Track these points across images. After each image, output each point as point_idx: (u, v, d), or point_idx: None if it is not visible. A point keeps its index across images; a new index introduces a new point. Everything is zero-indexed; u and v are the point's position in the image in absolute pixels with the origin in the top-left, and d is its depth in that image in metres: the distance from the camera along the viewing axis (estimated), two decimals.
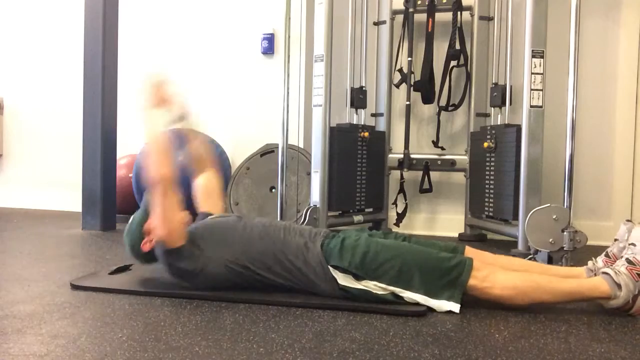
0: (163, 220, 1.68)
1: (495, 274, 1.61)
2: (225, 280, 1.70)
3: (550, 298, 1.61)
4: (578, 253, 2.25)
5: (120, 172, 3.51)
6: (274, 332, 1.37)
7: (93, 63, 3.19)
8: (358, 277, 1.62)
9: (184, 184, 1.88)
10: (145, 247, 1.77)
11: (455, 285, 1.58)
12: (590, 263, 1.80)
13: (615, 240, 1.80)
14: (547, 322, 1.51)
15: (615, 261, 1.73)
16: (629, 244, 1.65)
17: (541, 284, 1.61)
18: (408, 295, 1.59)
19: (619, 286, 1.54)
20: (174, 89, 1.73)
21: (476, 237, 3.19)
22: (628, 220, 1.80)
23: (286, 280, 1.68)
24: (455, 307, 1.57)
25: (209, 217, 1.90)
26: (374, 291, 1.61)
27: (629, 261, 1.57)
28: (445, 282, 1.58)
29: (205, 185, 2.09)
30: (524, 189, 2.55)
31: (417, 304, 1.58)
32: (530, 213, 2.28)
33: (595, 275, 1.70)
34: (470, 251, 1.77)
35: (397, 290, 1.59)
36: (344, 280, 1.64)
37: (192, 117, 1.88)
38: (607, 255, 1.79)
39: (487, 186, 2.97)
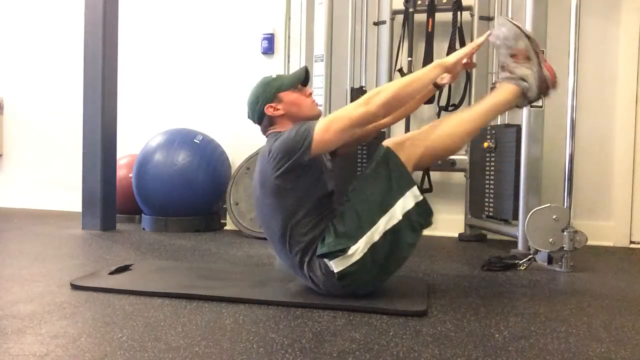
0: (406, 86, 1.62)
1: (419, 139, 1.68)
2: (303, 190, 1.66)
3: (477, 124, 1.69)
4: (578, 253, 2.25)
5: (120, 172, 3.51)
6: (274, 332, 1.37)
7: (93, 63, 3.19)
8: (344, 251, 1.59)
9: None
10: (269, 110, 1.75)
11: (400, 177, 1.63)
12: (494, 82, 1.83)
13: (496, 47, 1.86)
14: (547, 322, 1.51)
15: (503, 66, 1.79)
16: (504, 43, 1.73)
17: (463, 119, 1.70)
18: (385, 222, 1.60)
19: (521, 79, 1.63)
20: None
21: (476, 237, 3.19)
22: (490, 32, 1.81)
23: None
24: (413, 189, 1.62)
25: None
26: (367, 250, 1.59)
27: (511, 55, 1.67)
28: (393, 182, 1.62)
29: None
30: (524, 189, 2.55)
31: (418, 304, 1.58)
32: (530, 213, 2.28)
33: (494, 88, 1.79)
34: (388, 142, 1.73)
35: (375, 229, 1.60)
36: (338, 265, 1.61)
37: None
38: (502, 68, 1.81)
39: (487, 186, 2.97)
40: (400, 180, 1.63)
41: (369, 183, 1.67)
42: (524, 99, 1.70)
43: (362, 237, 1.60)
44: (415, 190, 1.63)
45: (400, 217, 1.61)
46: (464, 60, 1.74)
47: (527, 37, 1.72)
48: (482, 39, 1.76)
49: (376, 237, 1.60)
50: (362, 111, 1.59)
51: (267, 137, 1.80)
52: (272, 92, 1.78)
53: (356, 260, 1.60)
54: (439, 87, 1.86)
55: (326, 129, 1.60)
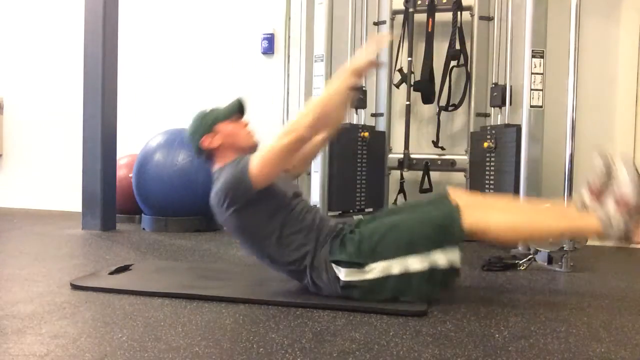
0: (320, 105, 1.62)
1: (488, 214, 1.62)
2: (260, 220, 1.66)
3: (545, 235, 1.65)
4: (578, 253, 2.25)
5: (120, 172, 3.51)
6: (274, 332, 1.37)
7: (93, 63, 3.19)
8: (361, 265, 1.61)
9: None
10: (205, 142, 1.76)
11: (450, 235, 1.59)
12: (576, 198, 1.79)
13: (593, 173, 1.79)
14: (547, 322, 1.51)
15: (598, 194, 1.72)
16: (613, 178, 1.66)
17: (535, 223, 1.64)
18: (411, 262, 1.58)
19: (610, 224, 1.56)
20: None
21: None
22: (601, 152, 1.79)
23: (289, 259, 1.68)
24: (455, 254, 1.57)
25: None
26: (380, 277, 1.59)
27: (615, 198, 1.59)
28: (441, 235, 1.59)
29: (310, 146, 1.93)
30: (524, 189, 2.55)
31: (419, 304, 1.58)
32: None
33: (583, 210, 1.71)
34: (456, 194, 1.71)
35: (400, 261, 1.58)
36: (347, 275, 1.62)
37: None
38: (589, 189, 1.77)
39: (487, 186, 2.97)
40: (449, 239, 1.60)
41: (420, 219, 1.64)
42: (598, 236, 1.62)
43: (382, 261, 1.60)
44: (457, 256, 1.59)
45: (427, 267, 1.59)
46: (372, 60, 1.68)
47: None
48: (385, 38, 1.73)
49: (394, 270, 1.60)
50: (290, 138, 1.61)
51: (213, 175, 1.81)
52: (208, 125, 1.80)
53: (367, 279, 1.61)
54: (357, 89, 1.83)
55: (261, 165, 1.62)
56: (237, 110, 1.84)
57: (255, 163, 1.63)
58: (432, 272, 1.59)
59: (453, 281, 1.66)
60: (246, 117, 1.89)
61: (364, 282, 1.61)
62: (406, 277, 1.59)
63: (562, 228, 1.64)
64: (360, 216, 1.80)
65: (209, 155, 1.82)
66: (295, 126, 1.62)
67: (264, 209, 1.67)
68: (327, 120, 1.66)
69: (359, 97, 3.20)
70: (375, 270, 1.60)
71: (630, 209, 1.58)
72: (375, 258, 1.60)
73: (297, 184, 1.88)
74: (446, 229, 1.59)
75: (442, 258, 1.58)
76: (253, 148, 1.78)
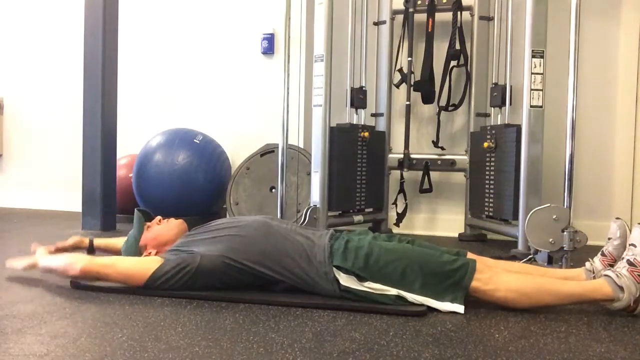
0: (122, 277, 1.73)
1: (499, 275, 1.62)
2: (225, 275, 1.69)
3: (553, 300, 1.62)
4: (578, 253, 2.25)
5: (120, 172, 3.51)
6: (274, 332, 1.37)
7: (93, 63, 3.19)
8: (361, 278, 1.62)
9: None
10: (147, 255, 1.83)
11: (458, 288, 1.58)
12: (587, 264, 1.81)
13: (609, 239, 1.80)
14: (547, 322, 1.51)
15: (612, 260, 1.74)
16: (630, 245, 1.65)
17: (544, 286, 1.62)
18: (411, 297, 1.59)
19: (621, 288, 1.54)
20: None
21: (476, 237, 3.19)
22: (617, 218, 1.81)
23: (285, 278, 1.68)
24: (459, 308, 1.57)
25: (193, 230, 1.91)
26: (377, 292, 1.61)
27: (630, 263, 1.58)
28: (449, 284, 1.59)
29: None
30: (524, 189, 2.55)
31: (419, 304, 1.58)
32: (530, 213, 2.28)
33: (594, 276, 1.71)
34: (472, 256, 1.76)
35: (400, 292, 1.60)
36: (346, 281, 1.63)
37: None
38: (603, 255, 1.79)
39: (487, 186, 2.97)
40: (455, 292, 1.59)
41: (433, 262, 1.63)
42: (607, 303, 1.60)
43: (384, 285, 1.61)
44: (460, 310, 1.58)
45: (424, 305, 1.59)
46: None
47: None
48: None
49: (392, 293, 1.60)
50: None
51: None
52: (134, 247, 1.90)
53: (363, 290, 1.62)
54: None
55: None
56: (142, 220, 1.95)
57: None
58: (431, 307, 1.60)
59: None
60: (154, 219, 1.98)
61: (360, 292, 1.62)
62: (403, 298, 1.61)
63: (574, 297, 1.61)
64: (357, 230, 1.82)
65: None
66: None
67: (209, 280, 1.71)
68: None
69: (359, 97, 3.20)
70: (374, 287, 1.62)
71: None
72: (378, 279, 1.61)
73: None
74: (454, 281, 1.59)
75: (446, 306, 1.59)
76: (180, 231, 1.93)
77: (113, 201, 3.25)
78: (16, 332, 1.34)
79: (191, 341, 1.29)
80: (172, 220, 1.97)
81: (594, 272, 1.74)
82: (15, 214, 3.96)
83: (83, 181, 3.20)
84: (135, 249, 1.90)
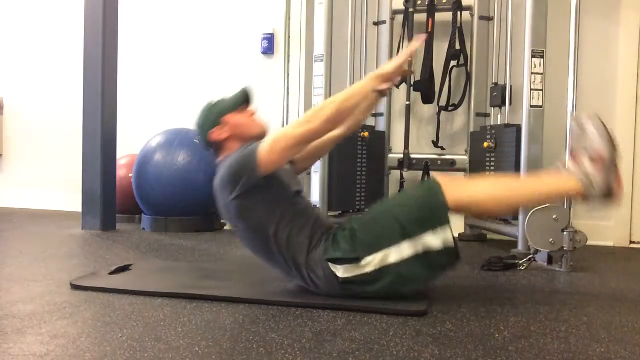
0: (340, 102, 1.61)
1: (470, 187, 1.66)
2: (255, 214, 1.65)
3: (528, 200, 1.70)
4: (578, 253, 2.25)
5: (120, 172, 3.51)
6: (274, 332, 1.37)
7: (93, 63, 3.19)
8: (356, 260, 1.60)
9: None
10: (214, 135, 1.77)
11: (438, 214, 1.59)
12: (558, 164, 1.80)
13: (572, 136, 1.81)
14: (547, 322, 1.51)
15: (575, 156, 1.76)
16: (585, 137, 1.69)
17: (517, 188, 1.68)
18: (405, 248, 1.58)
19: (588, 180, 1.60)
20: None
21: (476, 237, 3.19)
22: (575, 115, 1.79)
23: (282, 258, 1.68)
24: (447, 233, 1.57)
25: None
26: (377, 269, 1.58)
27: (589, 156, 1.63)
28: (428, 216, 1.59)
29: (319, 144, 1.94)
30: None
31: (418, 303, 1.58)
32: (530, 213, 2.28)
33: (563, 173, 1.74)
34: (437, 177, 1.72)
35: (393, 250, 1.58)
36: (346, 272, 1.61)
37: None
38: (571, 155, 1.79)
39: None
40: (437, 218, 1.59)
41: (406, 205, 1.64)
42: (581, 197, 1.64)
43: (378, 252, 1.59)
44: (449, 234, 1.58)
45: (421, 251, 1.58)
46: (404, 68, 1.72)
47: (613, 145, 1.67)
48: (417, 44, 1.74)
49: (391, 260, 1.59)
50: (305, 129, 1.61)
51: (218, 164, 1.80)
52: (215, 117, 1.81)
53: (365, 272, 1.60)
54: (382, 94, 1.83)
55: (270, 150, 1.61)
56: (243, 100, 1.84)
57: (265, 148, 1.61)
58: (427, 255, 1.59)
59: (452, 263, 1.64)
60: (253, 106, 1.88)
61: (363, 277, 1.60)
62: (403, 264, 1.59)
63: (544, 192, 1.67)
64: (354, 216, 1.81)
65: (217, 148, 1.82)
66: (311, 118, 1.62)
67: (266, 198, 1.66)
68: (343, 117, 1.65)
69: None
70: (372, 263, 1.59)
71: (606, 163, 1.62)
72: (370, 251, 1.60)
73: (300, 181, 1.87)
74: (432, 208, 1.60)
75: (434, 240, 1.58)
76: (262, 137, 1.75)
77: (113, 201, 3.25)
78: (16, 332, 1.34)
79: (191, 341, 1.29)
80: (260, 122, 1.86)
81: (561, 169, 1.76)
82: (15, 214, 3.97)
83: (83, 181, 3.20)
84: (215, 119, 1.80)
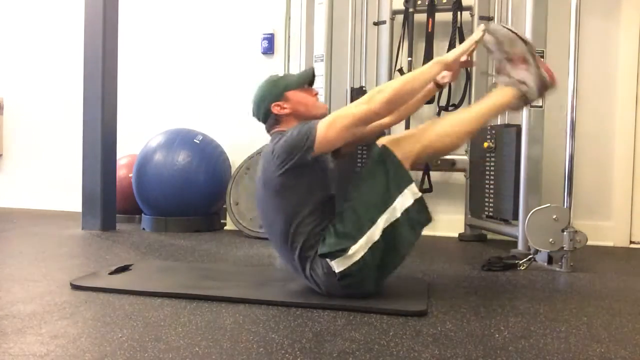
0: (401, 85, 1.62)
1: (416, 136, 1.69)
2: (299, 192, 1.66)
3: (475, 125, 1.71)
4: (578, 253, 2.25)
5: (120, 172, 3.51)
6: (274, 332, 1.37)
7: (93, 63, 3.19)
8: (344, 251, 1.59)
9: None
10: (275, 108, 1.75)
11: (396, 174, 1.63)
12: (492, 85, 1.84)
13: (491, 55, 1.83)
14: (547, 322, 1.51)
15: (499, 69, 1.81)
16: (497, 46, 1.74)
17: (463, 117, 1.72)
18: (385, 220, 1.60)
19: (520, 82, 1.65)
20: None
21: (476, 237, 3.19)
22: (484, 27, 1.80)
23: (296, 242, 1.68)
24: (411, 186, 1.63)
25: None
26: (367, 250, 1.59)
27: (508, 60, 1.69)
28: (390, 180, 1.62)
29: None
30: (524, 189, 2.55)
31: (419, 303, 1.58)
32: (530, 213, 2.28)
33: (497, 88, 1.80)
34: (384, 140, 1.75)
35: (375, 228, 1.59)
36: (338, 265, 1.61)
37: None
38: (497, 70, 1.83)
39: (487, 186, 2.97)
40: (398, 178, 1.64)
41: (367, 182, 1.67)
42: (523, 101, 1.71)
43: (362, 236, 1.60)
44: (413, 187, 1.64)
45: (399, 215, 1.61)
46: (463, 58, 1.76)
47: (523, 40, 1.73)
48: (479, 34, 1.75)
49: (376, 236, 1.60)
50: (364, 109, 1.60)
51: (271, 135, 1.79)
52: (279, 91, 1.78)
53: (357, 260, 1.60)
54: (440, 86, 1.87)
55: (329, 126, 1.60)
56: (309, 79, 1.83)
57: (323, 125, 1.61)
58: (406, 215, 1.61)
59: (427, 210, 1.67)
60: (316, 87, 1.87)
61: (357, 264, 1.60)
62: (387, 236, 1.61)
63: (488, 112, 1.71)
64: None
65: (274, 121, 1.79)
66: (371, 98, 1.62)
67: (310, 181, 1.67)
68: (402, 100, 1.65)
69: (359, 97, 3.19)
70: (360, 248, 1.60)
71: (527, 60, 1.66)
72: (354, 238, 1.60)
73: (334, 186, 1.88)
74: (390, 173, 1.63)
75: (404, 199, 1.62)
76: (322, 117, 1.73)
77: (113, 201, 3.25)
78: (16, 332, 1.34)
79: (191, 341, 1.29)
80: (322, 104, 1.86)
81: (493, 86, 1.81)
82: (15, 214, 3.97)
83: (83, 181, 3.20)
84: (280, 93, 1.77)
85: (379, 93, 1.61)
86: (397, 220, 1.61)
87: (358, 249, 1.60)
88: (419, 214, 1.65)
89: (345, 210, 1.66)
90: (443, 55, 1.73)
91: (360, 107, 1.61)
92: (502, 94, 1.74)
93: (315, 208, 1.67)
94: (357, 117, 1.60)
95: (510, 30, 1.74)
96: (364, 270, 1.61)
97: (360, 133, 1.78)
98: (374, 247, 1.60)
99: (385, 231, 1.60)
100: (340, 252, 1.60)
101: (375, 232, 1.60)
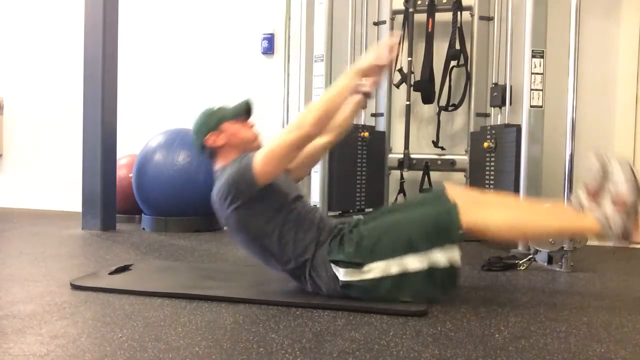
0: (324, 103, 1.62)
1: (486, 211, 1.62)
2: (255, 223, 1.67)
3: (543, 234, 1.66)
4: (578, 253, 2.25)
5: (120, 172, 3.51)
6: (274, 332, 1.37)
7: (93, 63, 3.19)
8: (358, 265, 1.60)
9: None
10: (210, 140, 1.76)
11: (449, 234, 1.58)
12: (572, 198, 1.78)
13: (589, 171, 1.78)
14: (547, 322, 1.51)
15: (595, 195, 1.72)
16: (609, 177, 1.65)
17: (534, 220, 1.64)
18: (410, 262, 1.57)
19: (607, 222, 1.56)
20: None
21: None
22: (597, 153, 1.78)
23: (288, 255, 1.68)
24: (455, 253, 1.57)
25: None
26: (378, 278, 1.59)
27: (612, 198, 1.60)
28: (440, 234, 1.58)
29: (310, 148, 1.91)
30: (524, 189, 2.55)
31: (418, 303, 1.58)
32: None
33: (581, 211, 1.70)
34: (454, 192, 1.70)
35: (398, 261, 1.58)
36: (346, 275, 1.62)
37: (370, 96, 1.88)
38: (586, 189, 1.77)
39: (487, 186, 2.96)
40: (445, 235, 1.59)
41: (418, 218, 1.63)
42: (596, 237, 1.62)
43: (381, 261, 1.60)
44: (456, 254, 1.58)
45: (426, 267, 1.58)
46: (382, 62, 1.69)
47: (639, 193, 1.63)
48: (394, 40, 1.71)
49: (393, 270, 1.59)
50: (295, 135, 1.62)
51: (214, 173, 1.81)
52: (214, 123, 1.80)
53: (365, 279, 1.61)
54: (367, 95, 1.83)
55: (265, 159, 1.63)
56: (244, 111, 1.85)
57: (259, 159, 1.63)
58: (432, 272, 1.58)
59: (454, 283, 1.64)
60: (252, 119, 1.89)
61: (362, 282, 1.61)
62: (405, 276, 1.59)
63: (560, 227, 1.64)
64: (360, 216, 1.80)
65: (211, 154, 1.82)
66: (299, 123, 1.63)
67: (267, 206, 1.68)
68: (330, 117, 1.65)
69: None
70: (374, 270, 1.60)
71: (628, 208, 1.58)
72: (374, 258, 1.60)
73: (299, 187, 1.87)
74: (444, 228, 1.59)
75: (441, 257, 1.58)
76: (256, 149, 1.76)
77: (113, 201, 3.25)
78: (16, 332, 1.34)
79: (191, 341, 1.29)
80: (257, 134, 1.85)
81: (580, 206, 1.73)
82: (15, 214, 3.96)
83: (83, 181, 3.20)
84: (214, 125, 1.79)
85: (306, 115, 1.63)
86: (420, 270, 1.58)
87: (371, 270, 1.60)
88: (443, 280, 1.61)
89: (377, 227, 1.65)
90: (356, 64, 1.70)
91: (291, 134, 1.63)
92: (584, 220, 1.62)
93: (286, 219, 1.68)
94: (289, 145, 1.63)
95: (635, 178, 1.62)
96: (368, 289, 1.61)
97: (297, 160, 1.79)
98: (385, 278, 1.60)
99: (403, 272, 1.59)
100: (354, 265, 1.61)
101: (393, 265, 1.59)
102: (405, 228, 1.62)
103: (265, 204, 1.67)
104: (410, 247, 1.58)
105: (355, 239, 1.64)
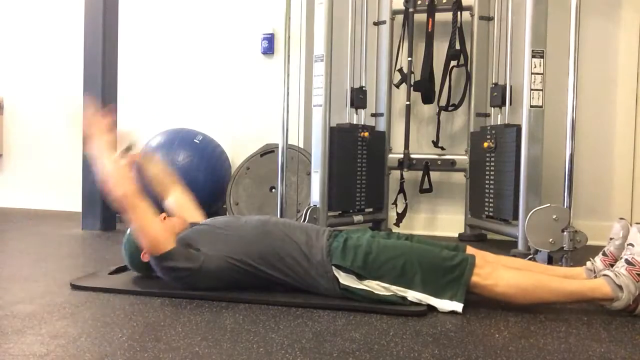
0: (142, 230, 1.69)
1: (498, 271, 1.62)
2: (228, 276, 1.69)
3: (552, 297, 1.62)
4: (578, 253, 2.25)
5: None
6: (274, 332, 1.37)
7: (93, 63, 3.19)
8: (360, 277, 1.62)
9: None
10: (145, 257, 1.78)
11: (458, 284, 1.58)
12: (588, 263, 1.81)
13: (611, 239, 1.80)
14: (547, 322, 1.51)
15: (613, 260, 1.74)
16: (627, 244, 1.65)
17: (543, 283, 1.62)
18: (411, 294, 1.59)
19: (620, 288, 1.54)
20: (107, 119, 1.83)
21: (476, 237, 3.19)
22: (621, 219, 1.81)
23: (287, 277, 1.68)
24: (458, 306, 1.57)
25: (196, 225, 1.87)
26: (376, 291, 1.61)
27: (628, 262, 1.58)
28: (448, 281, 1.59)
29: (177, 202, 2.11)
30: (524, 189, 2.55)
31: (419, 303, 1.58)
32: (530, 213, 2.28)
33: (594, 275, 1.71)
34: (471, 250, 1.76)
35: (400, 289, 1.60)
36: (345, 280, 1.64)
37: (138, 144, 1.96)
38: (604, 254, 1.79)
39: (487, 186, 2.97)
40: (455, 288, 1.59)
41: (434, 261, 1.63)
42: (606, 303, 1.59)
43: (384, 282, 1.61)
44: (459, 308, 1.57)
45: (425, 306, 1.59)
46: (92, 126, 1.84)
47: None
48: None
49: (393, 290, 1.61)
50: (160, 249, 1.69)
51: None
52: (134, 245, 1.81)
53: (361, 288, 1.62)
54: (128, 149, 1.98)
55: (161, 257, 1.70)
56: None
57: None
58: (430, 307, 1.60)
59: None
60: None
61: (359, 290, 1.63)
62: (404, 298, 1.61)
63: (571, 291, 1.60)
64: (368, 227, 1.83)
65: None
66: (155, 250, 1.69)
67: (214, 268, 1.70)
68: (149, 219, 1.71)
69: (359, 97, 3.19)
70: (375, 288, 1.62)
71: None
72: (378, 277, 1.61)
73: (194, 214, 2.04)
74: (455, 279, 1.59)
75: (442, 305, 1.58)
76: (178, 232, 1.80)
77: None
78: (16, 332, 1.34)
79: (191, 341, 1.29)
80: (173, 220, 1.88)
81: (594, 272, 1.74)
82: (15, 214, 3.96)
83: (83, 181, 3.20)
84: (136, 246, 1.81)
85: (142, 230, 1.70)
86: (418, 302, 1.60)
87: (369, 283, 1.62)
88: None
89: (392, 250, 1.65)
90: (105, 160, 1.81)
91: (158, 247, 1.69)
92: (597, 287, 1.59)
93: (249, 252, 1.70)
94: (155, 241, 1.69)
95: None
96: (365, 296, 1.63)
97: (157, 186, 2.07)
98: (377, 295, 1.61)
99: (403, 296, 1.60)
100: (356, 275, 1.63)
101: (395, 290, 1.61)
102: (417, 262, 1.62)
103: (213, 270, 1.70)
104: (414, 283, 1.59)
105: (363, 249, 1.64)
